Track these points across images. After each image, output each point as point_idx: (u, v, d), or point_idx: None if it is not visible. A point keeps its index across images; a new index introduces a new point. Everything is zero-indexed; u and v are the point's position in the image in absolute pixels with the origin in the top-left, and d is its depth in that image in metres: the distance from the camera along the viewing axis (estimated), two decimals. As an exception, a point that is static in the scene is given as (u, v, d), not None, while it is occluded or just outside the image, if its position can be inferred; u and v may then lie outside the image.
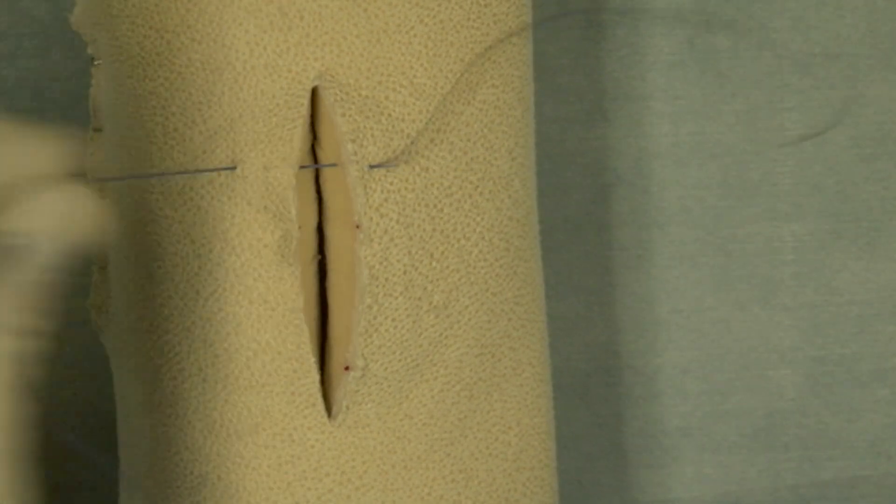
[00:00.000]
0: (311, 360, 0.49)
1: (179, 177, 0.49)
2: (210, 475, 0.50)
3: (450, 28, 0.49)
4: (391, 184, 0.48)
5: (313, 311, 0.49)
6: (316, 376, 0.49)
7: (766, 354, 0.59)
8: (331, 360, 0.49)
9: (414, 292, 0.49)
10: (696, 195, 0.58)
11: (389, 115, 0.49)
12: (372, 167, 0.48)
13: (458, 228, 0.50)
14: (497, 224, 0.50)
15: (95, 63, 0.50)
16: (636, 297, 0.59)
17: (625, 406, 0.59)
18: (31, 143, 0.44)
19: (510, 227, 0.50)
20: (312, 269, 0.49)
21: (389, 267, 0.49)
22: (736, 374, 0.59)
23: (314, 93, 0.48)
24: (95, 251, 0.52)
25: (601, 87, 0.58)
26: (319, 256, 0.50)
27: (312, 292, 0.49)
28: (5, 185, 0.43)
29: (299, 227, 0.49)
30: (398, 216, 0.49)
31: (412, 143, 0.49)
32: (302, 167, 0.49)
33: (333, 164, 0.49)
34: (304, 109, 0.48)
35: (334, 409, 0.49)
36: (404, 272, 0.49)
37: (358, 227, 0.48)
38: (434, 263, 0.49)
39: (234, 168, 0.48)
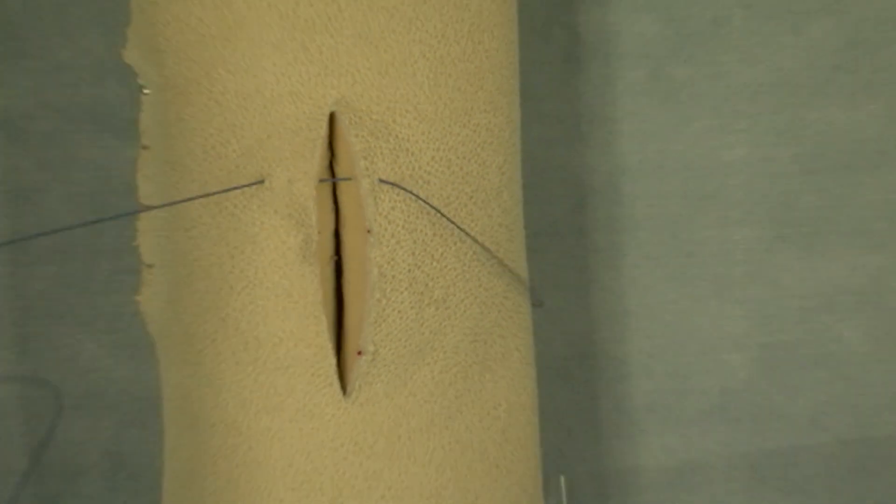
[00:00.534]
0: (329, 346, 0.48)
1: (222, 182, 0.48)
2: (241, 445, 0.49)
3: (448, 62, 0.48)
4: (397, 196, 0.48)
5: (330, 304, 0.48)
6: (333, 360, 0.48)
7: (720, 341, 0.58)
8: (345, 346, 0.48)
9: (417, 288, 0.48)
10: (661, 205, 0.58)
11: (396, 136, 0.48)
12: (381, 181, 0.47)
13: (455, 233, 0.49)
14: (489, 229, 0.49)
15: (144, 91, 0.49)
16: (609, 292, 0.58)
17: (599, 386, 0.58)
18: None
19: (500, 232, 0.49)
20: (330, 268, 0.48)
21: (396, 266, 0.48)
22: (694, 358, 0.58)
23: (332, 117, 0.47)
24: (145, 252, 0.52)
25: (578, 112, 0.57)
26: (336, 257, 0.49)
27: (330, 287, 0.48)
28: None
29: (318, 232, 0.48)
30: (403, 222, 0.48)
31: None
32: (321, 180, 0.48)
33: (348, 178, 0.48)
34: (323, 131, 0.47)
35: (348, 388, 0.48)
36: (409, 270, 0.48)
37: (369, 231, 0.48)
38: (434, 263, 0.48)
39: (262, 181, 0.47)
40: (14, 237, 0.53)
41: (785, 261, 0.57)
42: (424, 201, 0.47)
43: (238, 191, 0.47)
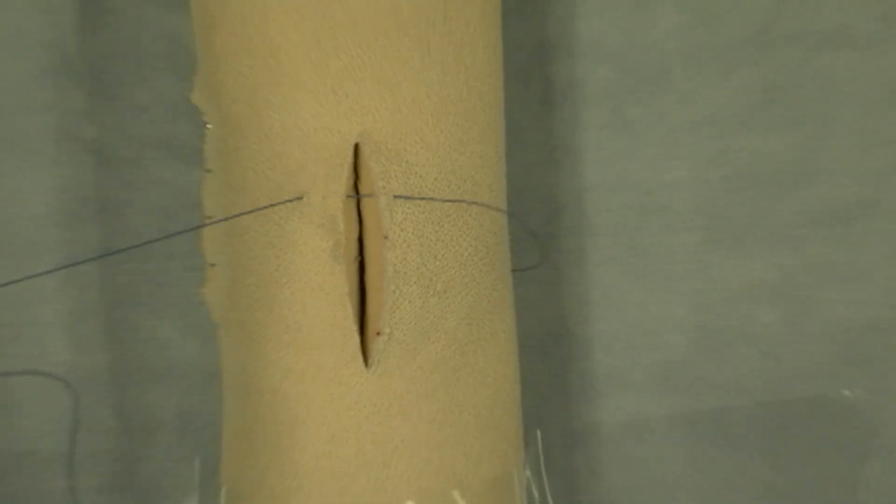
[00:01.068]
0: (354, 329, 0.48)
1: (268, 199, 0.49)
2: (283, 408, 0.49)
3: (448, 102, 0.49)
4: (408, 209, 0.48)
5: (355, 295, 0.49)
6: (357, 339, 0.49)
7: (664, 324, 0.58)
8: (367, 329, 0.49)
9: (423, 282, 0.49)
10: (618, 216, 0.58)
11: (407, 162, 0.48)
12: (396, 197, 0.48)
13: (454, 239, 0.49)
14: (480, 236, 0.49)
15: (207, 126, 0.50)
16: (575, 285, 0.58)
17: (567, 360, 0.59)
18: None
19: (489, 238, 0.50)
20: (354, 267, 0.49)
21: (407, 265, 0.48)
22: (644, 337, 0.59)
23: (356, 147, 0.48)
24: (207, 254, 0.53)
25: (552, 143, 0.57)
26: (359, 258, 0.49)
27: (354, 282, 0.49)
28: None
29: (345, 238, 0.48)
30: (413, 230, 0.48)
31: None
32: (348, 197, 0.48)
33: (369, 195, 0.48)
34: (349, 158, 0.48)
35: (369, 362, 0.49)
36: (417, 268, 0.49)
37: (386, 237, 0.48)
38: (437, 262, 0.49)
39: (301, 198, 0.48)
40: (106, 249, 0.54)
41: (717, 260, 0.58)
42: (433, 197, 0.48)
43: (282, 205, 0.48)
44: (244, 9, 0.48)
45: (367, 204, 0.49)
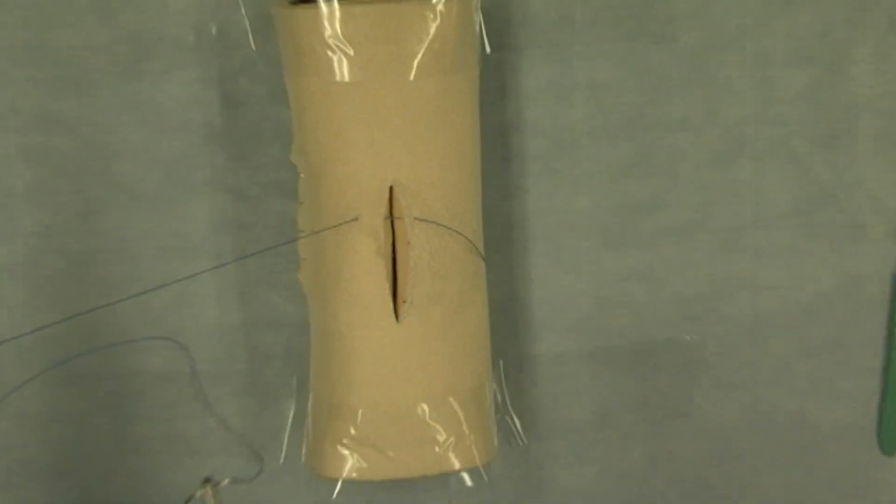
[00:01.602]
0: (389, 298, 0.50)
1: (336, 219, 0.49)
2: (347, 346, 0.51)
3: (447, 159, 0.50)
4: (422, 226, 0.50)
5: (390, 278, 0.50)
6: (391, 304, 0.50)
7: (576, 294, 0.59)
8: (398, 298, 0.50)
9: (431, 270, 0.50)
10: (549, 229, 0.58)
11: (422, 197, 0.49)
12: (415, 219, 0.49)
13: (452, 244, 0.50)
14: (466, 243, 0.51)
15: (301, 175, 0.51)
16: (522, 270, 0.59)
17: (518, 316, 0.59)
18: None
19: (474, 242, 0.51)
20: (389, 261, 0.50)
21: (422, 260, 0.50)
22: (564, 302, 0.59)
23: (391, 188, 0.49)
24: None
25: (509, 184, 0.58)
26: (393, 255, 0.50)
27: (389, 270, 0.50)
28: None
29: (384, 243, 0.50)
30: (425, 239, 0.50)
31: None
32: (386, 218, 0.49)
33: (399, 218, 0.49)
34: (387, 194, 0.49)
35: (399, 318, 0.50)
36: (428, 262, 0.50)
37: (409, 243, 0.50)
38: (440, 259, 0.50)
39: (356, 219, 0.49)
40: (240, 253, 0.55)
41: (607, 256, 0.58)
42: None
43: (345, 223, 0.49)
44: (321, 103, 0.48)
45: (397, 223, 0.50)
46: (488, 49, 0.52)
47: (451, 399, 0.51)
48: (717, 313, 0.59)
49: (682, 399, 0.60)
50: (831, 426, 0.61)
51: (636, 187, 0.58)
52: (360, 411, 0.51)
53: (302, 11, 0.47)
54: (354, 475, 0.51)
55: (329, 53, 0.47)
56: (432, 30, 0.47)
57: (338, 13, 0.46)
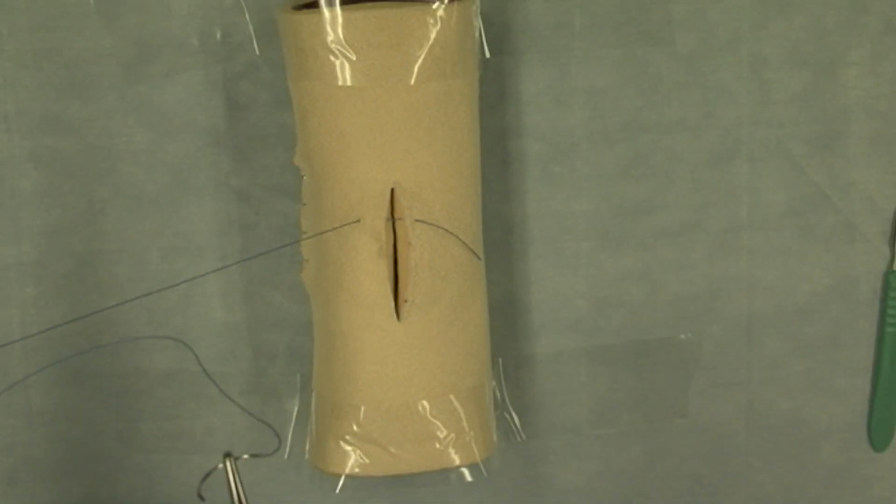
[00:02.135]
0: (391, 297, 0.50)
1: (339, 221, 0.50)
2: (349, 345, 0.51)
3: (447, 163, 0.50)
4: (423, 228, 0.50)
5: (391, 278, 0.51)
6: (392, 303, 0.50)
7: (574, 295, 0.59)
8: (399, 297, 0.51)
9: (432, 271, 0.50)
10: (548, 231, 0.58)
11: (421, 199, 0.50)
12: (416, 220, 0.50)
13: (451, 245, 0.51)
14: (465, 244, 0.51)
15: (304, 177, 0.52)
16: (522, 273, 0.59)
17: (516, 317, 0.59)
18: None
19: (473, 245, 0.52)
20: (391, 261, 0.51)
21: (422, 260, 0.50)
22: (562, 303, 0.59)
23: (392, 190, 0.50)
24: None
25: (508, 187, 0.58)
26: (394, 256, 0.51)
27: (391, 270, 0.51)
28: None
29: (385, 244, 0.50)
30: (426, 240, 0.50)
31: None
32: (387, 220, 0.50)
33: (400, 219, 0.50)
34: (388, 197, 0.49)
35: (400, 317, 0.50)
36: (428, 262, 0.50)
37: (410, 244, 0.50)
38: (440, 259, 0.51)
39: (359, 221, 0.50)
40: (244, 255, 0.56)
41: (604, 257, 0.58)
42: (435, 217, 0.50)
43: (348, 224, 0.50)
44: (324, 107, 0.49)
45: (399, 224, 0.50)
46: (488, 54, 0.52)
47: (451, 397, 0.51)
48: (712, 313, 0.60)
49: (678, 397, 0.60)
50: (825, 424, 0.61)
51: (633, 189, 0.58)
52: (363, 409, 0.51)
53: (305, 16, 0.48)
54: (357, 471, 0.51)
55: (332, 58, 0.47)
56: (433, 35, 0.48)
57: (340, 18, 0.47)
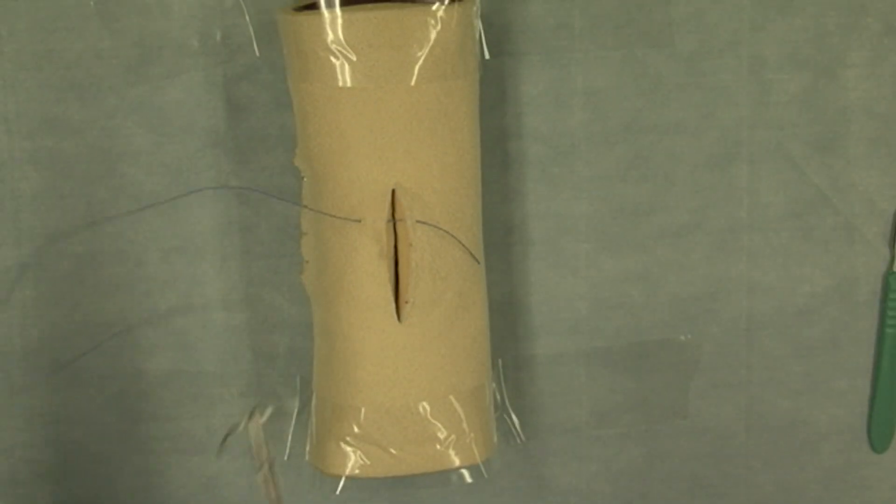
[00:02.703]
0: (392, 299, 0.50)
1: (339, 222, 0.50)
2: (349, 347, 0.51)
3: (447, 164, 0.50)
4: (423, 229, 0.50)
5: (392, 279, 0.51)
6: (393, 305, 0.51)
7: (574, 297, 0.59)
8: (399, 299, 0.51)
9: (432, 272, 0.51)
10: (547, 232, 0.58)
11: (422, 200, 0.50)
12: (416, 221, 0.50)
13: (451, 246, 0.51)
14: (465, 245, 0.52)
15: (304, 179, 0.52)
16: (521, 273, 0.59)
17: (516, 318, 0.59)
18: None
19: (473, 246, 0.52)
20: (391, 262, 0.51)
21: (423, 261, 0.50)
22: (562, 304, 0.60)
23: (393, 191, 0.50)
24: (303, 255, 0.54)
25: (508, 189, 0.58)
26: (395, 257, 0.51)
27: (392, 271, 0.51)
28: None
29: (386, 245, 0.50)
30: (426, 241, 0.50)
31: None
32: (388, 221, 0.50)
33: (401, 220, 0.50)
34: (389, 198, 0.50)
35: (401, 318, 0.51)
36: (429, 263, 0.51)
37: (410, 245, 0.50)
38: (440, 260, 0.51)
39: (360, 221, 0.50)
40: (245, 253, 0.56)
41: (604, 258, 0.58)
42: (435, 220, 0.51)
43: (350, 225, 0.50)
44: (324, 108, 0.49)
45: (399, 225, 0.51)
46: (488, 55, 0.52)
47: (451, 398, 0.52)
48: (712, 314, 0.59)
49: (678, 398, 0.60)
50: (825, 425, 0.62)
51: (633, 191, 0.58)
52: (363, 410, 0.51)
53: (305, 17, 0.48)
54: (357, 472, 0.51)
55: (332, 59, 0.47)
56: (433, 36, 0.48)
57: (340, 19, 0.47)
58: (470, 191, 0.52)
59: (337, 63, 0.48)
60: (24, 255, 0.55)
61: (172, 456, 0.58)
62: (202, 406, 0.57)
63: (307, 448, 0.54)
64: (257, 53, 0.54)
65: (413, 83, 0.48)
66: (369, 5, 0.48)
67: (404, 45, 0.47)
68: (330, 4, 0.47)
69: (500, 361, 0.57)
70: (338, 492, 0.52)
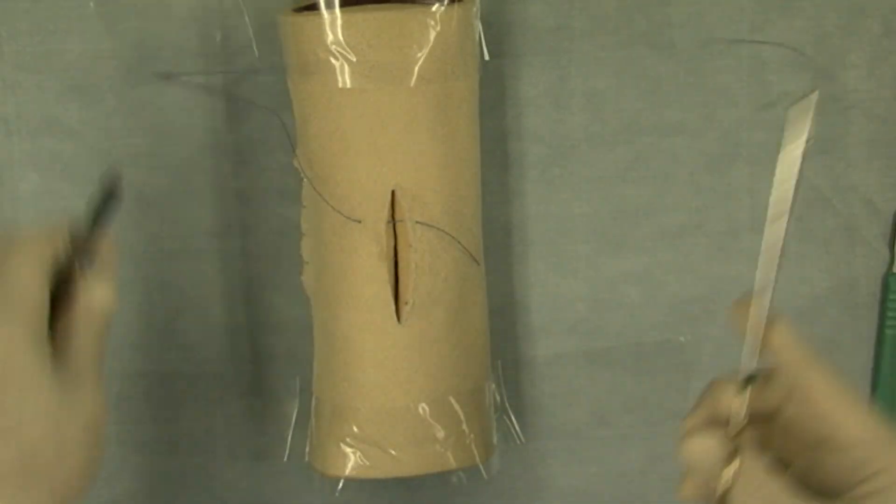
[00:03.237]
0: (391, 300, 0.51)
1: (339, 223, 0.50)
2: (349, 347, 0.51)
3: (447, 165, 0.51)
4: (423, 230, 0.50)
5: (392, 280, 0.51)
6: (393, 306, 0.51)
7: (574, 297, 0.59)
8: (399, 300, 0.51)
9: (432, 273, 0.51)
10: (547, 234, 0.58)
11: (422, 201, 0.50)
12: (416, 222, 0.50)
13: (451, 247, 0.51)
14: (465, 247, 0.52)
15: (304, 180, 0.52)
16: (521, 275, 0.59)
17: (517, 318, 0.59)
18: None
19: (472, 247, 0.52)
20: (391, 263, 0.51)
21: (423, 262, 0.50)
22: (562, 305, 0.59)
23: (393, 192, 0.50)
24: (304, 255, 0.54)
25: (508, 190, 0.58)
26: (394, 258, 0.51)
27: (392, 272, 0.51)
28: None
29: (386, 246, 0.50)
30: (426, 243, 0.50)
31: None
32: (388, 222, 0.50)
33: (401, 221, 0.50)
34: (389, 198, 0.50)
35: (401, 320, 0.51)
36: (429, 265, 0.51)
37: (410, 246, 0.50)
38: (440, 261, 0.51)
39: (360, 222, 0.50)
40: (244, 252, 0.55)
41: (603, 259, 0.58)
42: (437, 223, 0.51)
43: (351, 225, 0.50)
44: (325, 109, 0.49)
45: (399, 226, 0.51)
46: (487, 56, 0.52)
47: (451, 399, 0.52)
48: (712, 315, 0.59)
49: (678, 400, 0.60)
50: (825, 426, 0.62)
51: (633, 192, 0.58)
52: (363, 411, 0.51)
53: (305, 18, 0.48)
54: (357, 473, 0.51)
55: (332, 60, 0.48)
56: (433, 37, 0.48)
57: (340, 20, 0.47)
58: (470, 191, 0.52)
59: (337, 64, 0.48)
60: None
61: (172, 458, 0.58)
62: (202, 408, 0.57)
63: (307, 449, 0.55)
64: (257, 54, 0.54)
65: (413, 84, 0.48)
66: (369, 6, 0.48)
67: (404, 45, 0.48)
68: (330, 5, 0.47)
69: (499, 362, 0.57)
70: (337, 493, 0.52)
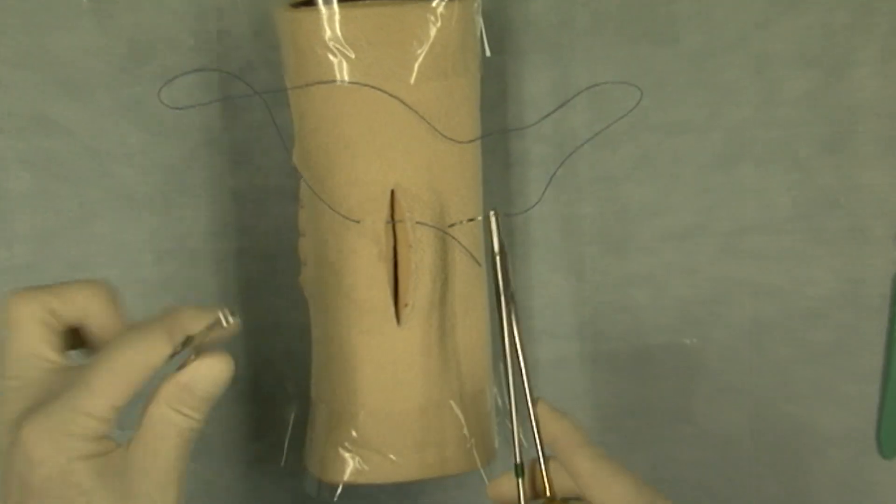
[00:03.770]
0: (391, 302, 0.50)
1: (338, 223, 0.50)
2: (348, 351, 0.51)
3: (447, 165, 0.50)
4: (423, 230, 0.50)
5: (391, 281, 0.50)
6: (393, 308, 0.50)
7: (577, 300, 0.60)
8: (399, 302, 0.51)
9: (432, 274, 0.50)
10: (549, 234, 0.59)
11: (422, 200, 0.50)
12: (416, 222, 0.50)
13: (452, 248, 0.51)
14: (467, 248, 0.51)
15: (302, 179, 0.51)
16: (522, 277, 0.59)
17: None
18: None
19: (474, 247, 0.52)
20: (391, 264, 0.51)
21: (423, 263, 0.50)
22: (565, 308, 0.60)
23: (392, 191, 0.50)
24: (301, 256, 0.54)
25: (509, 190, 0.59)
26: (394, 259, 0.51)
27: (391, 273, 0.50)
28: None
29: (385, 247, 0.50)
30: (427, 243, 0.50)
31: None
32: (387, 222, 0.50)
33: (400, 221, 0.50)
34: (388, 198, 0.49)
35: (400, 322, 0.50)
36: (429, 266, 0.50)
37: (410, 247, 0.50)
38: (441, 262, 0.51)
39: (359, 222, 0.50)
40: (240, 252, 0.55)
41: (607, 261, 0.59)
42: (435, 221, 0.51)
43: (349, 225, 0.49)
44: (324, 108, 0.49)
45: (399, 226, 0.50)
46: (489, 53, 0.52)
47: (452, 403, 0.51)
48: (718, 317, 0.60)
49: (683, 403, 0.60)
50: (832, 431, 0.61)
51: (638, 191, 0.58)
52: (362, 415, 0.50)
53: (302, 14, 0.48)
54: (356, 478, 0.51)
55: (330, 56, 0.47)
56: (433, 33, 0.48)
57: (338, 16, 0.47)
58: (471, 191, 0.52)
59: (335, 61, 0.47)
60: (16, 256, 0.55)
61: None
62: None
63: (305, 454, 0.54)
64: (253, 51, 0.54)
65: (413, 81, 0.48)
66: (368, 1, 0.47)
67: (404, 42, 0.47)
68: (327, 1, 0.47)
69: (500, 365, 0.54)
70: (336, 498, 0.52)
